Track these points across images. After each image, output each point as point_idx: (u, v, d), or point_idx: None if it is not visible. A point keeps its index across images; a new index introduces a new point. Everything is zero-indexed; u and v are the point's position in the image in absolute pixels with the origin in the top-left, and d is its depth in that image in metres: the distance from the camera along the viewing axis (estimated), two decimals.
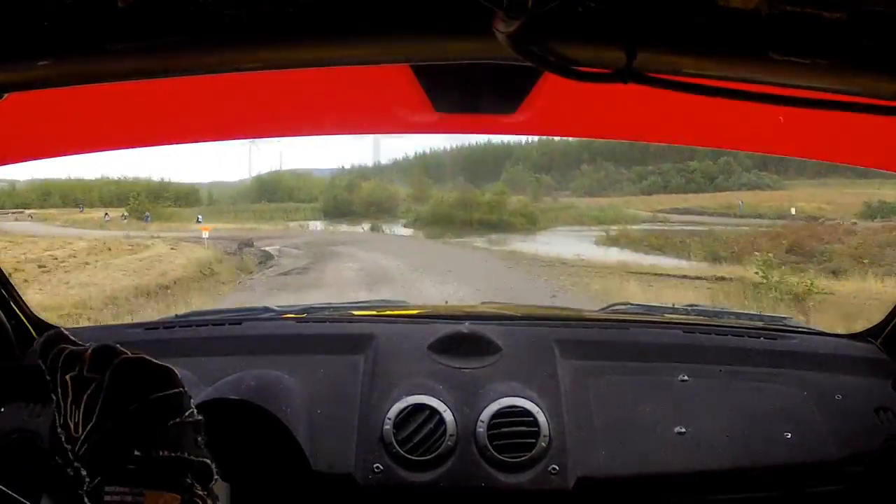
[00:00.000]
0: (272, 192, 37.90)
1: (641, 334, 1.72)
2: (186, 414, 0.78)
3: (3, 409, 1.45)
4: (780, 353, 1.65)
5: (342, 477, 1.43)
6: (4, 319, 1.57)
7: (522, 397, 1.49)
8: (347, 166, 45.05)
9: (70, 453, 0.77)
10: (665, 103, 1.13)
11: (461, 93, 1.19)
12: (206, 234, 19.39)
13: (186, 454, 0.76)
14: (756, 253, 15.37)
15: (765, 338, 1.70)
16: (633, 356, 1.62)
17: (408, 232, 28.67)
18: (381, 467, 1.43)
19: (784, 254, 16.34)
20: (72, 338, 0.83)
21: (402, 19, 0.68)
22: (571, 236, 24.99)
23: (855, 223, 21.27)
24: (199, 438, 0.79)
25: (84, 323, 7.23)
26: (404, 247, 21.64)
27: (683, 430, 1.48)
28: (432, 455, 1.42)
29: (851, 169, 18.53)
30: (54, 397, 0.80)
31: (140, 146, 1.44)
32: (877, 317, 1.74)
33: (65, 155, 1.47)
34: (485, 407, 1.47)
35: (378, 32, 0.70)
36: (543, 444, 1.43)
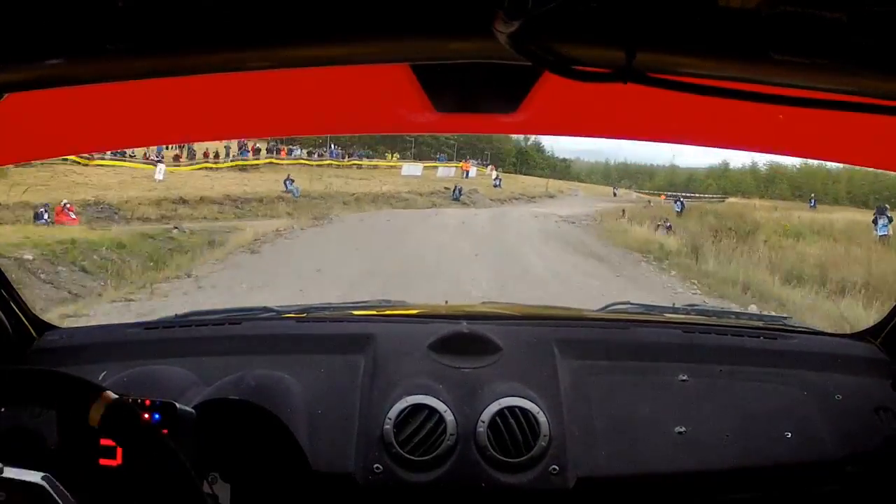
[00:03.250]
0: None
1: (641, 334, 1.71)
2: None
3: (2, 409, 1.45)
4: (779, 352, 1.65)
5: (342, 477, 1.43)
6: (4, 319, 1.57)
7: (522, 397, 1.48)
8: None
9: None
10: (665, 103, 1.13)
11: (461, 92, 1.18)
12: None
13: None
14: None
15: (764, 337, 1.70)
16: (633, 356, 1.62)
17: None
18: (381, 467, 1.42)
19: None
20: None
21: (402, 19, 0.68)
22: None
23: None
24: None
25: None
26: None
27: (683, 429, 1.47)
28: (432, 455, 1.42)
29: None
30: None
31: (139, 145, 1.44)
32: None
33: (65, 155, 1.47)
34: (485, 407, 1.47)
35: (378, 32, 0.70)
36: (543, 444, 1.43)
